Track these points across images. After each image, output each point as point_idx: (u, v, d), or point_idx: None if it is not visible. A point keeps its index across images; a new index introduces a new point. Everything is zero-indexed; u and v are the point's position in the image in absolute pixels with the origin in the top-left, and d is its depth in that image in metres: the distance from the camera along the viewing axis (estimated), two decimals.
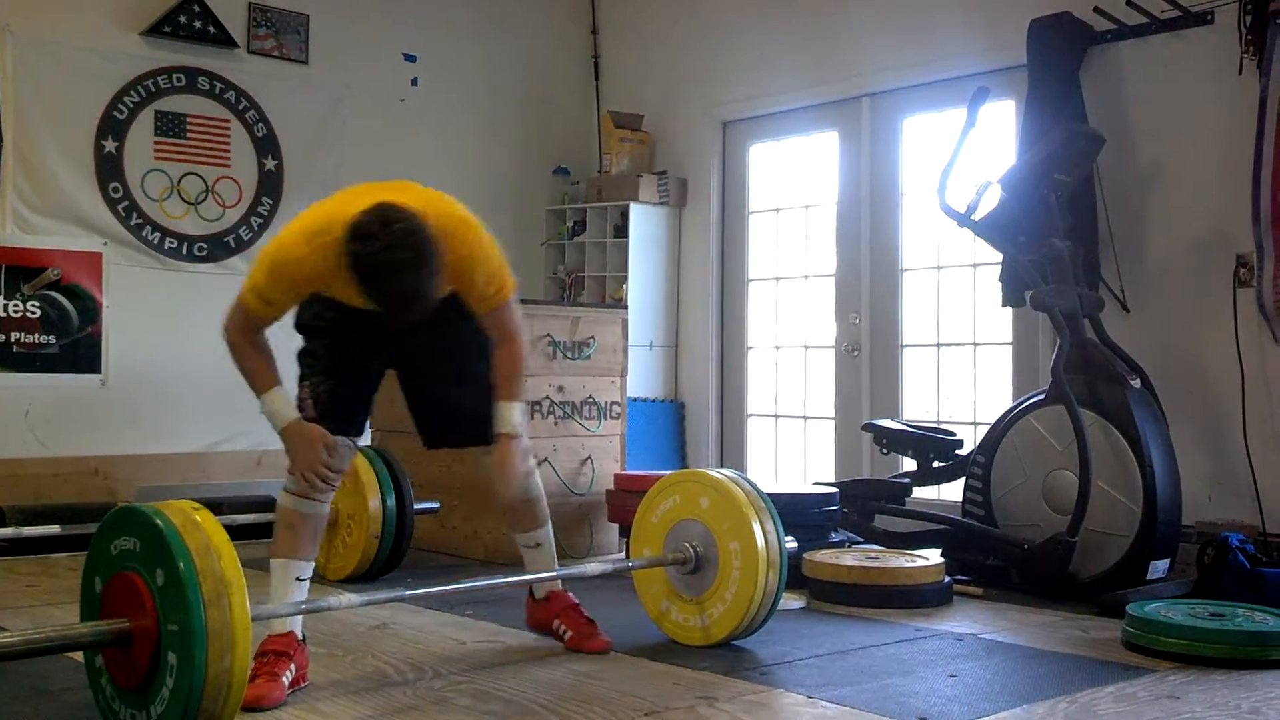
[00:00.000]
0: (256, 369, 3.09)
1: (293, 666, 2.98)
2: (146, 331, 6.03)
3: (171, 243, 6.17)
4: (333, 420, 3.15)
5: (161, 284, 6.11)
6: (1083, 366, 4.55)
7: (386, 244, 2.74)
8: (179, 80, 6.18)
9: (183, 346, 6.13)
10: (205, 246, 6.25)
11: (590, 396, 5.36)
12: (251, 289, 3.04)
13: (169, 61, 6.15)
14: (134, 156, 6.05)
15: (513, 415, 3.22)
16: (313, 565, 3.23)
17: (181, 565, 2.38)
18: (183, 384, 6.10)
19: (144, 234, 6.08)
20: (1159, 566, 4.30)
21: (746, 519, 3.39)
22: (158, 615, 2.42)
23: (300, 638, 3.07)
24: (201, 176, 6.28)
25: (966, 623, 3.92)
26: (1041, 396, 4.65)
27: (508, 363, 3.23)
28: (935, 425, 5.51)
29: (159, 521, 2.45)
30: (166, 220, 6.14)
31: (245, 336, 3.09)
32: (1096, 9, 5.23)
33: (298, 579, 3.13)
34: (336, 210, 2.94)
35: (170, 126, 6.17)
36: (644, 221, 7.00)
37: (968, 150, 4.87)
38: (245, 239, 6.37)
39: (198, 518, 2.50)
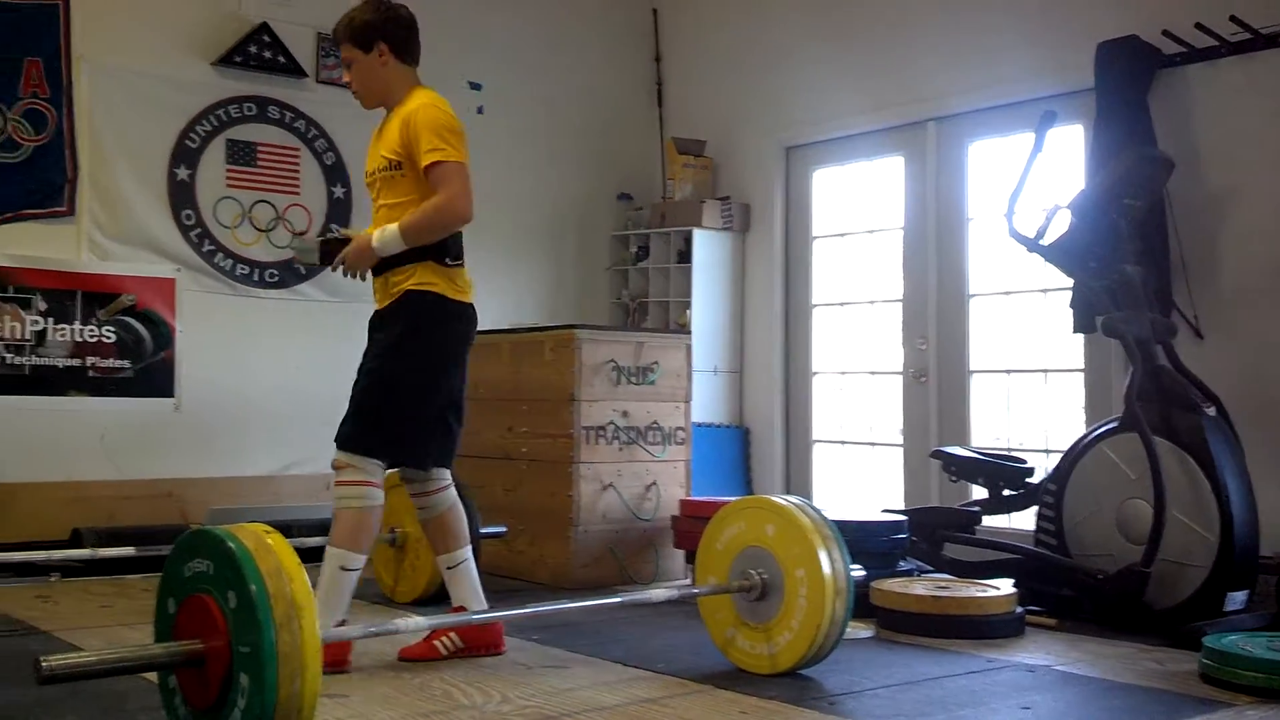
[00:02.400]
0: None
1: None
2: (218, 356, 6.12)
3: (243, 269, 6.27)
4: None
5: (233, 309, 6.21)
6: (1156, 394, 4.48)
7: None
8: (250, 109, 6.29)
9: (254, 371, 6.22)
10: (276, 273, 6.34)
11: (655, 422, 5.36)
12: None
13: (240, 91, 6.26)
14: (206, 184, 6.15)
15: (381, 234, 3.50)
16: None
17: (254, 588, 2.41)
18: (254, 408, 6.19)
19: (216, 260, 6.18)
20: (1236, 598, 4.21)
21: (813, 546, 3.36)
22: (230, 637, 2.44)
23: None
24: (272, 204, 6.38)
25: (1039, 654, 3.85)
26: (1114, 424, 4.57)
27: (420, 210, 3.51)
28: (1006, 453, 5.44)
29: (232, 544, 2.48)
30: (238, 247, 6.24)
31: None
32: (1165, 32, 5.17)
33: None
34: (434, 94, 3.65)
35: (241, 155, 6.28)
36: (707, 247, 7.00)
37: (1036, 175, 4.82)
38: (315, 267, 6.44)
39: (269, 541, 2.52)
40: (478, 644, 3.66)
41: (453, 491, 3.76)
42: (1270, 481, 4.71)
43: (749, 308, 7.09)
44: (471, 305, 3.68)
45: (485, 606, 3.69)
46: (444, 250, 3.57)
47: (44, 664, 2.33)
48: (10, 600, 4.49)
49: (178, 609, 2.58)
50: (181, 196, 6.10)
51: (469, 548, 3.76)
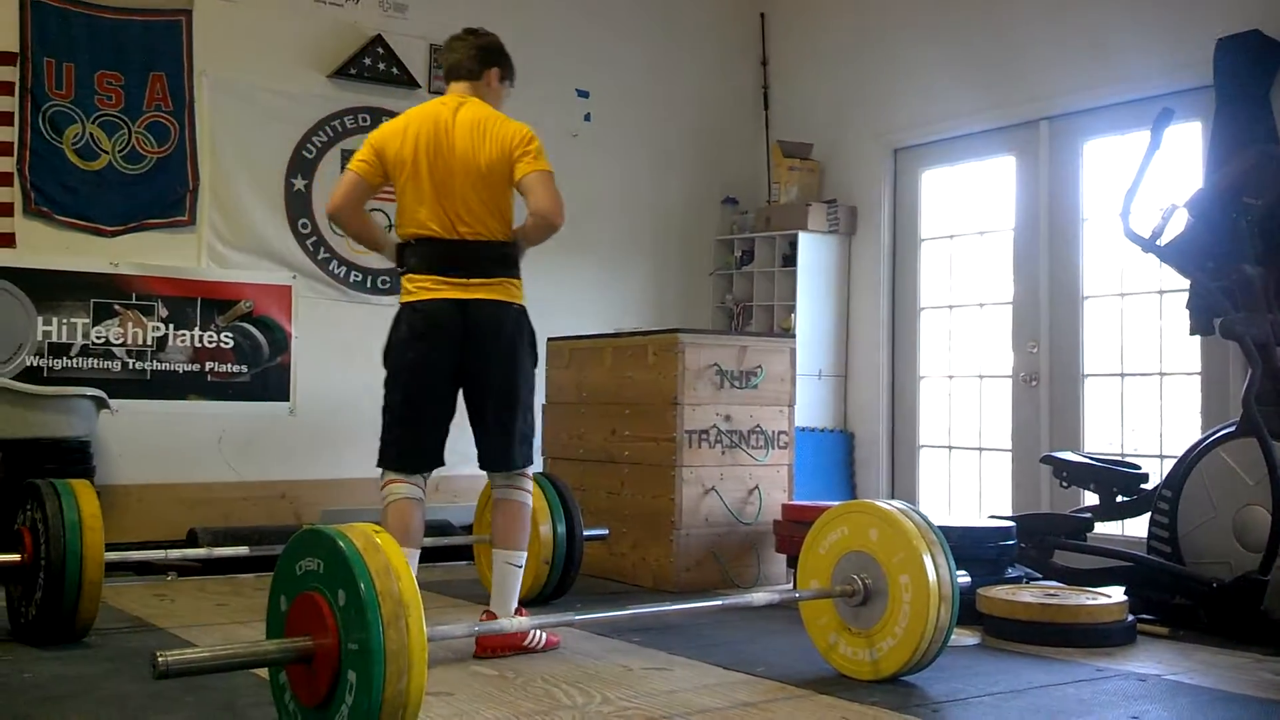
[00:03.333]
0: None
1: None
2: (332, 361, 6.27)
3: (356, 276, 6.41)
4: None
5: (346, 315, 6.36)
6: (1275, 398, 4.35)
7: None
8: (364, 120, 6.44)
9: (366, 375, 6.30)
10: (387, 280, 6.47)
11: (758, 425, 5.35)
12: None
13: (354, 102, 6.42)
14: (322, 194, 6.29)
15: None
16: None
17: (363, 586, 2.46)
18: (365, 412, 6.24)
19: (330, 268, 6.34)
20: None
21: (917, 552, 3.33)
22: (339, 634, 2.49)
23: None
24: (385, 213, 6.49)
25: (1150, 663, 3.76)
26: (1232, 429, 4.46)
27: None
28: (1119, 458, 5.33)
29: (342, 544, 2.54)
30: (351, 255, 6.39)
31: None
32: None
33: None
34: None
35: None
36: (812, 250, 6.97)
37: (1152, 173, 4.71)
38: None
39: (378, 540, 2.57)
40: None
41: (508, 492, 3.79)
42: None
43: (854, 311, 7.04)
44: (409, 304, 3.76)
45: (510, 610, 3.72)
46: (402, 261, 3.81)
47: (160, 659, 2.40)
48: (129, 598, 4.65)
49: (289, 606, 2.65)
50: (298, 206, 6.27)
51: (515, 552, 3.78)
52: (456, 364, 3.70)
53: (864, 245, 7.04)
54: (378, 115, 6.45)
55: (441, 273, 3.68)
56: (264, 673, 2.80)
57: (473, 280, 3.67)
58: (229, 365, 6.05)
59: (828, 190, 7.23)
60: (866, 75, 7.02)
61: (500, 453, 3.75)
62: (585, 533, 4.72)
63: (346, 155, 6.37)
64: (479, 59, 3.88)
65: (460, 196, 3.67)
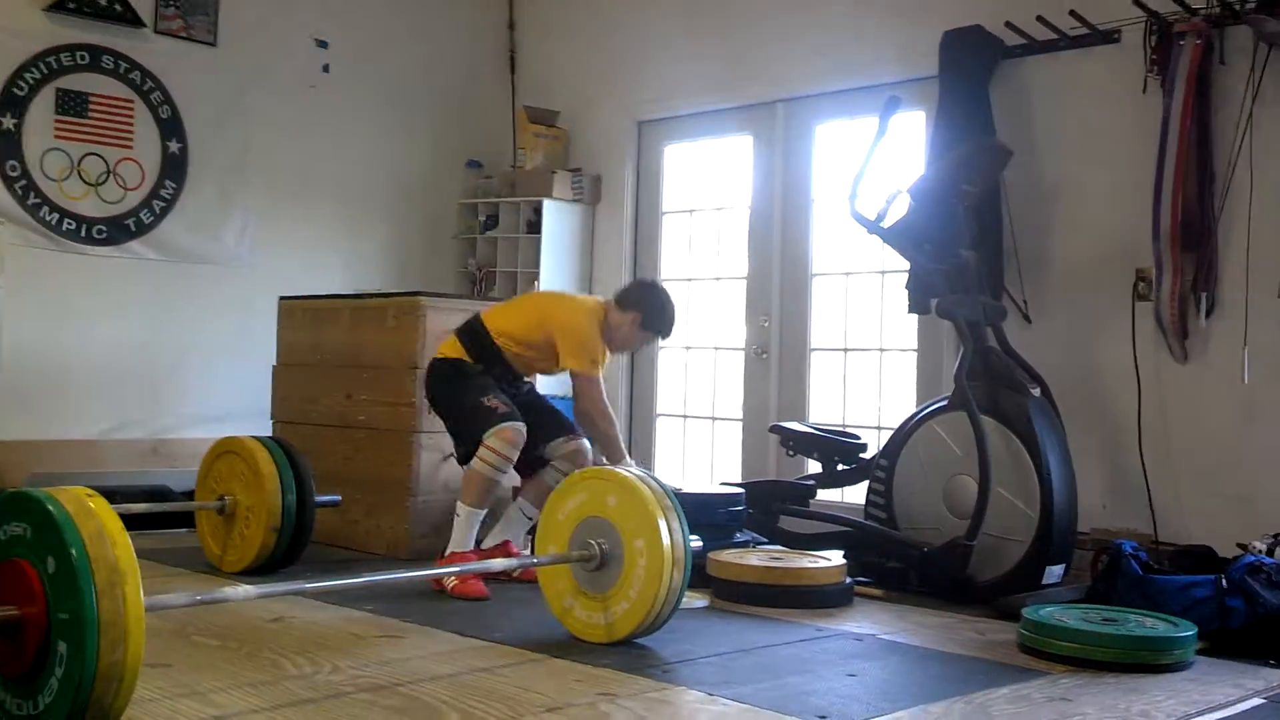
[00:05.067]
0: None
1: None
2: (42, 315, 5.87)
3: (70, 224, 6.00)
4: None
5: (59, 266, 5.95)
6: (985, 374, 4.63)
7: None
8: (82, 58, 6.02)
9: (79, 331, 5.98)
10: (105, 229, 6.09)
11: None
12: (594, 363, 4.35)
13: (72, 39, 5.99)
14: (33, 134, 5.88)
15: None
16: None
17: (74, 552, 2.31)
18: (78, 369, 5.95)
19: (41, 214, 5.91)
20: (1054, 572, 4.39)
21: (653, 517, 3.39)
22: (48, 603, 2.34)
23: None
24: (103, 157, 6.12)
25: (866, 623, 3.96)
26: (944, 403, 4.72)
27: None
28: (841, 429, 5.57)
29: (51, 507, 2.38)
30: (65, 201, 5.98)
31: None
32: (1008, 23, 5.33)
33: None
34: (581, 302, 4.53)
35: (72, 105, 6.01)
36: (557, 218, 6.98)
37: (879, 158, 4.92)
38: (147, 222, 6.22)
39: (91, 504, 2.43)
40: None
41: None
42: (1090, 461, 4.93)
43: (597, 280, 7.09)
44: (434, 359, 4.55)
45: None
46: None
47: None
48: None
49: None
50: (6, 146, 5.82)
51: (459, 503, 4.31)
52: None
53: (608, 215, 7.10)
54: (97, 54, 6.05)
55: None
56: None
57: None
58: None
59: (573, 159, 7.24)
60: (614, 47, 7.06)
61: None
62: (317, 499, 4.58)
63: (62, 94, 5.95)
64: None
65: None
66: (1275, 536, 4.07)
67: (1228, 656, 3.60)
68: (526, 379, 4.73)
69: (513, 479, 4.74)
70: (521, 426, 4.27)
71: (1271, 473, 4.67)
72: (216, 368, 6.34)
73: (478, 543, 4.39)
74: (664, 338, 4.59)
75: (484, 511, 4.32)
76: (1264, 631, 3.69)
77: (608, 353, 4.45)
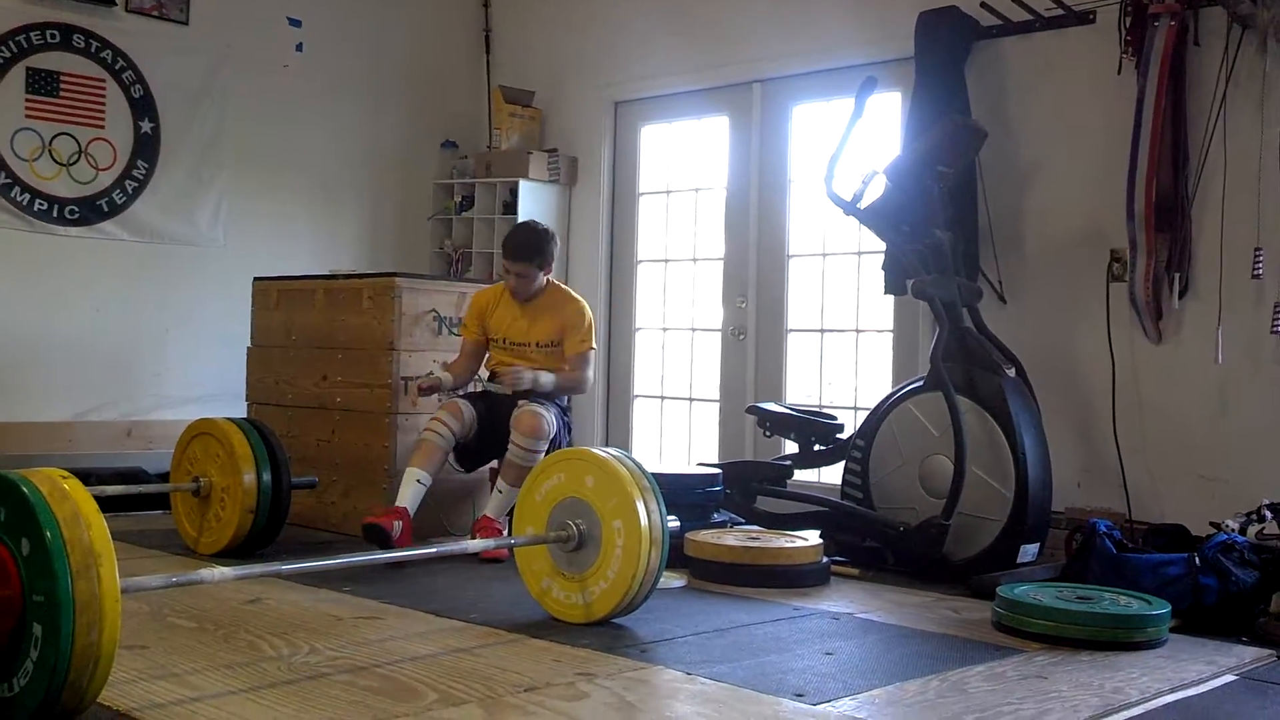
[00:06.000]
0: None
1: (398, 524, 4.42)
2: (13, 296, 5.81)
3: (41, 204, 5.95)
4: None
5: (30, 246, 5.90)
6: (960, 355, 4.65)
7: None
8: (53, 37, 5.96)
9: (51, 312, 5.93)
10: (77, 209, 6.04)
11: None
12: (465, 326, 5.02)
13: (43, 17, 5.92)
14: (4, 114, 5.82)
15: (539, 377, 4.75)
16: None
17: (49, 534, 2.30)
18: (50, 352, 5.90)
19: (12, 194, 5.85)
20: (1029, 550, 4.42)
21: (631, 498, 3.39)
22: (23, 585, 2.33)
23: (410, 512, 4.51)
24: (75, 137, 6.06)
25: (843, 602, 3.98)
26: (920, 383, 4.74)
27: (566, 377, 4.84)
28: (817, 409, 5.58)
29: (25, 489, 2.36)
30: (37, 181, 5.92)
31: None
32: (984, 4, 5.34)
33: (418, 481, 4.60)
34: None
35: (43, 84, 5.94)
36: (533, 198, 6.96)
37: (855, 139, 4.92)
38: (119, 202, 6.17)
39: (66, 486, 2.41)
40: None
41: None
42: (1064, 441, 4.97)
43: (573, 261, 7.08)
44: None
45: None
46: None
47: None
48: None
49: None
50: None
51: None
52: None
53: (584, 196, 7.08)
54: (68, 33, 5.98)
55: None
56: None
57: None
58: None
59: (549, 139, 7.22)
60: (589, 25, 7.03)
61: None
62: (293, 481, 4.57)
63: (32, 73, 5.89)
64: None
65: None
66: (1248, 515, 4.10)
67: (1201, 634, 3.64)
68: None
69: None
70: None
71: (1244, 452, 4.71)
72: (190, 349, 6.30)
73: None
74: (505, 258, 4.90)
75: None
76: (1236, 609, 3.73)
77: (482, 315, 4.94)
